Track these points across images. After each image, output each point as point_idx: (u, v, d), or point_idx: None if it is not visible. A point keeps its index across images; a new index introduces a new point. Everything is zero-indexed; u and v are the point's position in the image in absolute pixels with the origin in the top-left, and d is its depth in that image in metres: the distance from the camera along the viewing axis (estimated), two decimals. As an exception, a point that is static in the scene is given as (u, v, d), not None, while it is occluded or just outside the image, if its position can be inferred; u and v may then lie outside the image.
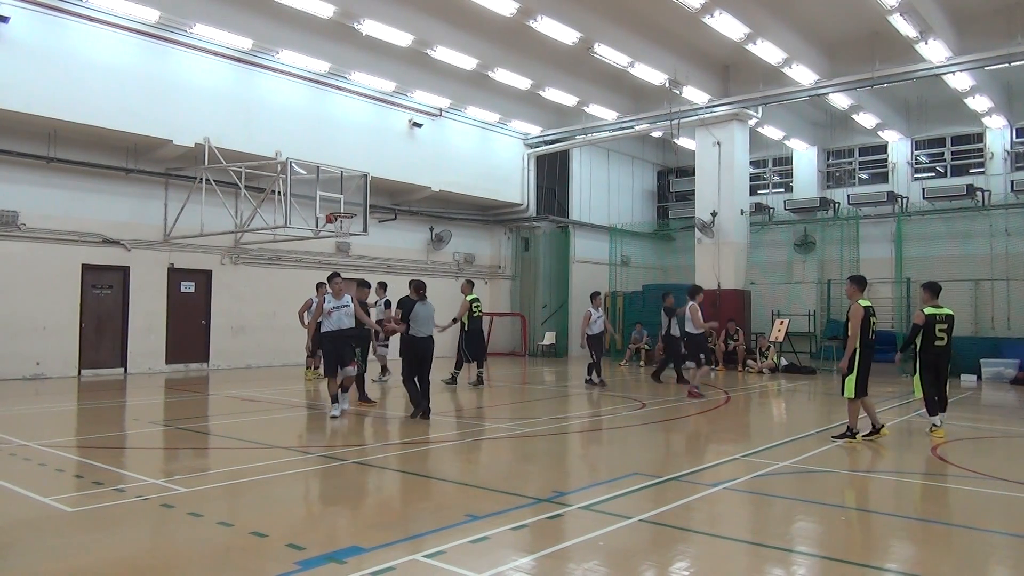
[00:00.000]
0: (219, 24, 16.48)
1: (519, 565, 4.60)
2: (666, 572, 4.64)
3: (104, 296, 17.22)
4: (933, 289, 9.83)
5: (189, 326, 18.37)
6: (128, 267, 17.38)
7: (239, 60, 17.96)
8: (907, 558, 5.07)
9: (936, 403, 9.49)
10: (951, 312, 9.74)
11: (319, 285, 15.97)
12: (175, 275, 18.18)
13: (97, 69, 15.57)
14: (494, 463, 8.20)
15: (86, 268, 16.74)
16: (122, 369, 17.21)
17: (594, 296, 15.92)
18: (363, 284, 12.10)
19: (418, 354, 10.52)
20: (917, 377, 9.62)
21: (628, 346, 22.51)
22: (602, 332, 15.66)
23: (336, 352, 10.57)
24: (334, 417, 10.38)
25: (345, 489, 6.89)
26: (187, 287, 18.46)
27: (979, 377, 17.92)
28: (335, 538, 5.06)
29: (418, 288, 10.89)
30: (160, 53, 16.62)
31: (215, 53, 17.48)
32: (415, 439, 9.15)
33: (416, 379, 10.48)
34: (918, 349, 9.55)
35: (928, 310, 9.60)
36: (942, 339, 9.51)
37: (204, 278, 18.68)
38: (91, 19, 15.48)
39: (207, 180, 16.92)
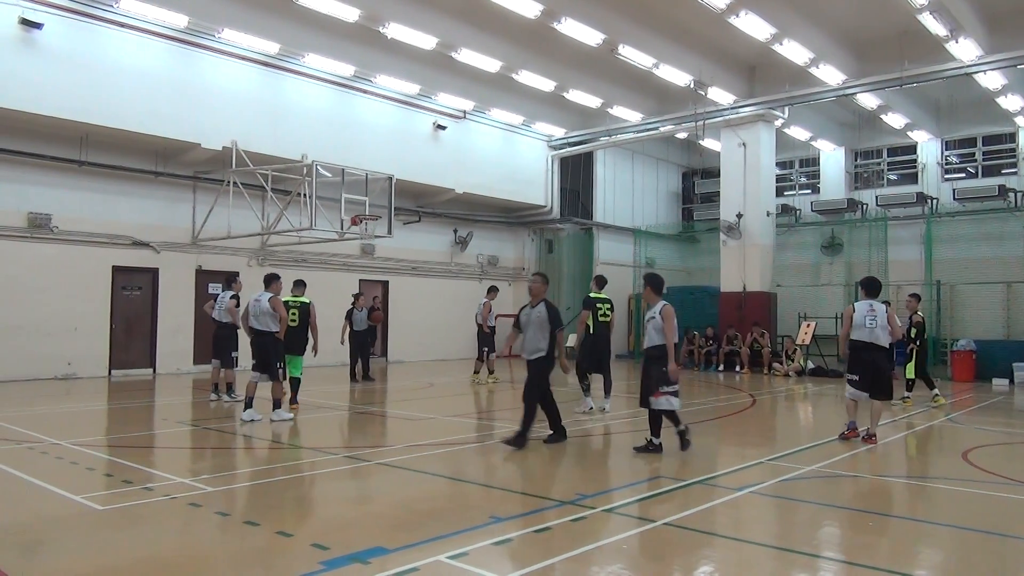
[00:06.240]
0: (246, 29, 16.69)
1: (543, 568, 4.58)
2: (690, 576, 4.61)
3: (134, 297, 17.49)
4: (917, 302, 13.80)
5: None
6: (157, 269, 17.65)
7: (266, 64, 18.18)
8: (936, 565, 4.98)
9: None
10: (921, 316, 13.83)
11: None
12: (203, 277, 18.41)
13: (127, 74, 15.83)
14: (517, 465, 8.18)
15: (116, 270, 17.02)
16: (151, 369, 17.45)
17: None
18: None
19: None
20: (913, 365, 13.32)
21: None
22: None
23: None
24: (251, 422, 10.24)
25: (369, 490, 6.93)
26: (215, 288, 18.64)
27: (1011, 381, 17.58)
28: (359, 538, 5.08)
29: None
30: (189, 58, 16.86)
31: (242, 57, 17.71)
32: (439, 440, 9.18)
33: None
34: (917, 346, 13.27)
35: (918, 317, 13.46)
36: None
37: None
38: (121, 25, 15.76)
39: (234, 183, 17.11)
